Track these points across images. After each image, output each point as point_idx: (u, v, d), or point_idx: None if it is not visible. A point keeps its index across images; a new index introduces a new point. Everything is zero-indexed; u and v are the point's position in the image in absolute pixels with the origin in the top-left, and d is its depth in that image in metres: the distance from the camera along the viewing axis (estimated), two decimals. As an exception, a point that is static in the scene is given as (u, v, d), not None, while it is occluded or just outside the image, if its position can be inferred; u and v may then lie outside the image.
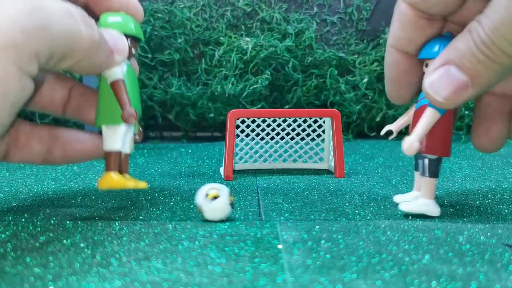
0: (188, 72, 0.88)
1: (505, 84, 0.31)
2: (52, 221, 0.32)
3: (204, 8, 0.90)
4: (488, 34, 0.25)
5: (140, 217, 0.33)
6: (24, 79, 0.20)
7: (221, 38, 0.87)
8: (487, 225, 0.31)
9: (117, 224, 0.31)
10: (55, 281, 0.22)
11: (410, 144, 0.30)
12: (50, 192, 0.41)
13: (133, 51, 0.33)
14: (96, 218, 0.33)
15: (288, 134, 0.55)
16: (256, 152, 0.55)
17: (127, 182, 0.32)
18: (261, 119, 0.54)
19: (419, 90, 0.34)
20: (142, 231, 0.29)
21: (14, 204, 0.37)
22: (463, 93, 0.27)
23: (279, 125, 0.54)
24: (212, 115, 0.85)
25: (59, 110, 0.35)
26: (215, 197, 0.32)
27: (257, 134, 0.55)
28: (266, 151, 0.55)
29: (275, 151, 0.55)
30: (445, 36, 0.31)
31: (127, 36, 0.33)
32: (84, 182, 0.46)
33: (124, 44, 0.32)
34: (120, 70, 0.33)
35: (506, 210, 0.35)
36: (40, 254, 0.25)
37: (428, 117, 0.31)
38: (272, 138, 0.55)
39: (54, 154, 0.34)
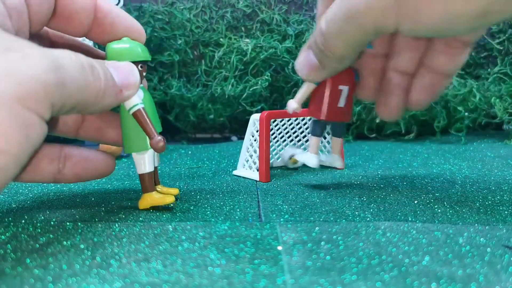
0: (188, 74, 0.88)
1: (405, 62, 0.37)
2: (52, 222, 0.32)
3: (204, 10, 0.90)
4: (324, 29, 0.31)
5: (140, 218, 0.33)
6: (43, 124, 0.22)
7: (221, 39, 0.87)
8: (487, 227, 0.31)
9: (117, 225, 0.31)
10: (55, 283, 0.22)
11: (288, 104, 0.39)
12: (50, 193, 0.41)
13: (144, 74, 0.35)
14: (96, 220, 0.33)
15: (294, 133, 0.56)
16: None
17: (167, 199, 0.35)
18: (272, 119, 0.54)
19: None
20: (142, 233, 0.29)
21: (14, 206, 0.37)
22: (316, 73, 0.34)
23: (284, 125, 0.55)
24: (212, 116, 0.85)
25: (72, 132, 0.37)
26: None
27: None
28: (274, 150, 0.55)
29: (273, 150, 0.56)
30: None
31: (137, 62, 0.34)
32: (84, 183, 0.46)
33: (135, 77, 0.32)
34: (138, 98, 0.34)
35: (506, 212, 0.35)
36: (40, 256, 0.25)
37: (307, 85, 0.39)
38: (282, 137, 0.56)
39: (65, 174, 0.34)
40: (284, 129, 0.55)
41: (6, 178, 0.21)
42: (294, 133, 0.56)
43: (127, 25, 0.34)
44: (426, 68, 0.37)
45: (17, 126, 0.20)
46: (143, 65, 0.34)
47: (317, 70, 0.34)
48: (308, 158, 0.41)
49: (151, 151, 0.35)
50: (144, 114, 0.34)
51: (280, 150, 0.56)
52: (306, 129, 0.56)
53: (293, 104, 0.39)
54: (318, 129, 0.41)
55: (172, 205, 0.37)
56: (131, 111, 0.33)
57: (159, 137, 0.34)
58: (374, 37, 0.30)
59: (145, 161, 0.35)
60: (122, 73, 0.30)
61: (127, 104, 0.33)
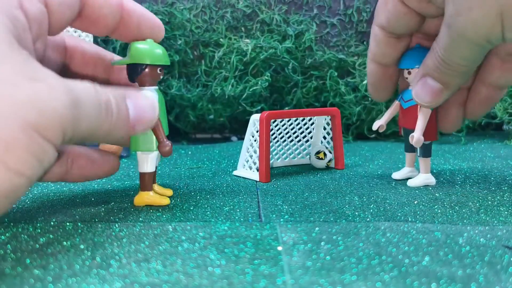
0: (188, 74, 0.88)
1: None
2: (52, 223, 0.32)
3: (204, 10, 0.90)
4: (442, 53, 0.33)
5: (140, 218, 0.33)
6: (54, 152, 0.24)
7: (221, 39, 0.87)
8: (487, 227, 0.31)
9: (117, 225, 0.31)
10: (55, 283, 0.22)
11: (417, 138, 0.40)
12: (50, 194, 0.41)
13: (161, 77, 0.36)
14: (96, 220, 0.33)
15: (294, 132, 0.56)
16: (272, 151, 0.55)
17: (163, 200, 0.37)
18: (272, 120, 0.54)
19: (394, 91, 0.44)
20: (142, 233, 0.29)
21: (13, 206, 0.37)
22: (440, 95, 0.36)
23: (284, 125, 0.55)
24: (212, 116, 0.85)
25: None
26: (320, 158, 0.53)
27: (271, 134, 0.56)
28: (281, 149, 0.56)
29: (288, 150, 0.56)
30: (416, 48, 0.41)
31: (157, 65, 0.35)
32: (84, 183, 0.46)
33: (152, 114, 0.32)
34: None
35: (506, 212, 0.35)
36: (40, 256, 0.25)
37: (424, 115, 0.41)
38: (282, 137, 0.56)
39: (72, 174, 0.36)
40: (284, 130, 0.55)
41: (17, 196, 0.23)
42: (294, 133, 0.56)
43: (150, 24, 0.35)
44: (481, 82, 0.39)
45: (33, 152, 0.22)
46: (162, 69, 0.36)
47: (441, 92, 0.37)
48: (430, 180, 0.44)
49: (156, 152, 0.36)
50: (157, 120, 0.35)
51: (280, 151, 0.56)
52: (307, 129, 0.57)
53: (422, 138, 0.41)
54: (431, 151, 0.44)
55: (170, 204, 0.37)
56: None
57: (167, 142, 0.35)
58: (490, 47, 0.33)
59: (148, 161, 0.36)
60: (139, 108, 0.31)
61: None
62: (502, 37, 0.31)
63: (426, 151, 0.44)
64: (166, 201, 0.37)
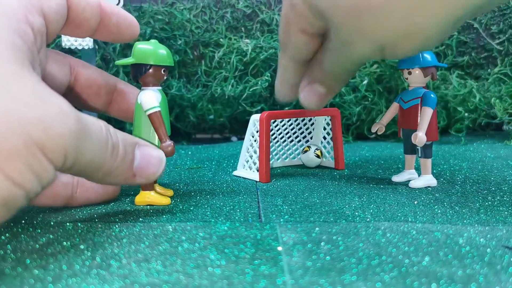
0: (188, 74, 0.88)
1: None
2: (52, 223, 0.32)
3: (204, 10, 0.90)
4: (329, 67, 0.35)
5: (140, 218, 0.33)
6: (53, 172, 0.24)
7: (221, 39, 0.87)
8: (486, 227, 0.31)
9: (117, 226, 0.31)
10: (55, 283, 0.22)
11: (421, 137, 0.41)
12: (50, 194, 0.41)
13: (165, 77, 0.37)
14: (96, 220, 0.33)
15: (294, 133, 0.56)
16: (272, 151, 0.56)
17: (163, 200, 0.37)
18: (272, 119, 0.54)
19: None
20: (142, 233, 0.29)
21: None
22: (325, 99, 0.38)
23: (284, 125, 0.55)
24: (212, 116, 0.85)
25: (103, 109, 0.40)
26: (306, 151, 0.54)
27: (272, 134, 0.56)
28: (281, 149, 0.56)
29: (288, 150, 0.57)
30: None
31: (161, 66, 0.36)
32: (84, 183, 0.46)
33: (156, 170, 0.32)
34: (156, 101, 0.36)
35: (506, 212, 0.35)
36: (40, 256, 0.25)
37: (427, 115, 0.42)
38: (282, 138, 0.56)
39: (77, 198, 0.36)
40: (284, 130, 0.55)
41: (15, 208, 0.23)
42: (294, 133, 0.56)
43: (128, 23, 0.35)
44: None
45: (32, 167, 0.22)
46: (166, 69, 0.36)
47: (326, 96, 0.38)
48: (431, 181, 0.44)
49: None
50: (160, 117, 0.35)
51: (280, 151, 0.56)
52: (307, 129, 0.57)
53: (424, 137, 0.41)
54: (432, 151, 0.44)
55: (171, 204, 0.37)
56: (148, 112, 0.35)
57: (169, 142, 0.35)
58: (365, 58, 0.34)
59: None
60: (146, 159, 0.31)
61: (145, 105, 0.35)
62: (383, 57, 0.32)
63: (427, 152, 0.44)
64: (167, 201, 0.37)
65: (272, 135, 0.55)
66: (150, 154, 0.31)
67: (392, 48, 0.30)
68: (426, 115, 0.42)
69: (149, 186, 0.37)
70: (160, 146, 0.35)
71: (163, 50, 0.36)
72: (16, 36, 0.25)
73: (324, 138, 0.56)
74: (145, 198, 0.37)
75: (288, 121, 0.55)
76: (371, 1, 0.28)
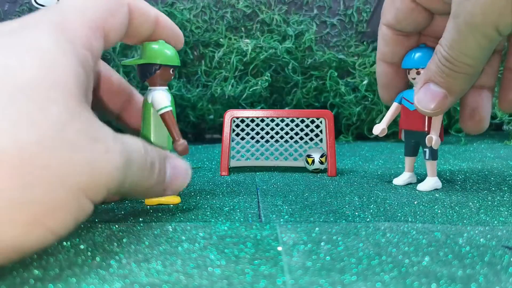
0: (188, 74, 0.88)
1: (481, 78, 0.38)
2: (51, 223, 0.32)
3: (204, 10, 0.90)
4: (448, 52, 0.32)
5: (140, 218, 0.33)
6: (92, 207, 0.23)
7: (221, 39, 0.87)
8: (487, 227, 0.31)
9: (117, 225, 0.31)
10: (55, 283, 0.22)
11: (437, 141, 0.41)
12: (49, 194, 0.41)
13: (172, 77, 0.37)
14: (96, 220, 0.33)
15: (287, 133, 0.56)
16: (257, 150, 0.56)
17: (175, 199, 0.37)
18: (260, 118, 0.54)
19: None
20: (142, 233, 0.29)
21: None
22: (445, 101, 0.35)
23: (277, 125, 0.55)
24: (212, 116, 0.85)
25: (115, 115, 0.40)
26: (310, 162, 0.52)
27: (257, 133, 0.56)
28: (266, 149, 0.56)
29: (276, 150, 0.57)
30: (420, 47, 0.40)
31: (169, 66, 0.36)
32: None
33: (184, 181, 0.32)
34: (167, 100, 0.36)
35: (506, 212, 0.35)
36: (40, 256, 0.25)
37: (440, 117, 0.41)
38: (272, 137, 0.56)
39: None
40: (282, 130, 0.55)
41: (38, 248, 0.22)
42: (267, 133, 0.56)
43: (176, 37, 0.36)
44: (509, 70, 0.39)
45: (73, 212, 0.21)
46: (174, 69, 0.37)
47: (445, 99, 0.34)
48: (438, 183, 0.44)
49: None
50: (172, 116, 0.35)
51: (275, 150, 0.56)
52: (302, 130, 0.56)
53: (439, 140, 0.41)
54: (437, 153, 0.44)
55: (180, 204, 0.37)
56: (160, 112, 0.35)
57: (183, 141, 0.35)
58: (499, 41, 0.31)
59: None
60: (174, 173, 0.31)
61: (157, 104, 0.35)
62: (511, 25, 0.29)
63: (434, 154, 0.43)
64: (177, 199, 0.37)
65: (268, 134, 0.55)
66: (178, 165, 0.31)
67: None
68: (438, 116, 0.41)
69: None
70: (173, 145, 0.35)
71: (171, 50, 0.36)
72: (79, 65, 0.23)
73: (311, 139, 0.55)
74: (155, 198, 0.37)
75: (282, 121, 0.55)
76: None
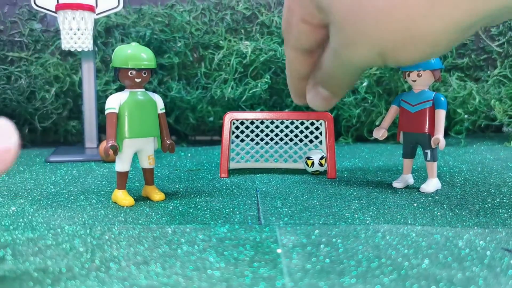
0: (188, 76, 0.88)
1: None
2: (51, 225, 0.32)
3: (204, 12, 0.90)
4: (330, 71, 0.33)
5: (139, 221, 0.33)
6: None
7: (221, 42, 0.87)
8: (486, 230, 0.31)
9: (116, 228, 0.31)
10: (54, 286, 0.22)
11: (443, 142, 0.41)
12: (49, 196, 0.41)
13: (147, 80, 0.38)
14: (95, 222, 0.33)
15: (286, 135, 0.56)
16: (256, 152, 0.56)
17: (123, 201, 0.38)
18: (260, 120, 0.54)
19: None
20: (141, 235, 0.29)
21: (13, 208, 0.37)
22: (331, 101, 0.37)
23: (277, 127, 0.55)
24: (211, 118, 0.85)
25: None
26: (310, 164, 0.52)
27: (257, 135, 0.56)
28: (266, 151, 0.56)
29: (275, 152, 0.56)
30: None
31: (141, 69, 0.37)
32: (83, 186, 0.46)
33: None
34: (115, 102, 0.37)
35: (505, 215, 0.35)
36: (39, 259, 0.25)
37: (443, 117, 0.42)
38: (272, 139, 0.56)
39: None
40: (281, 132, 0.55)
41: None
42: (266, 135, 0.56)
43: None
44: None
45: None
46: (138, 71, 0.37)
47: (331, 99, 0.37)
48: (439, 184, 0.44)
49: (125, 153, 0.38)
50: (110, 118, 0.37)
51: (275, 152, 0.56)
52: (301, 132, 0.56)
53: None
54: (437, 154, 0.45)
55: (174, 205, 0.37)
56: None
57: (107, 146, 0.36)
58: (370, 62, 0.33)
59: (118, 161, 0.38)
60: None
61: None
62: (384, 64, 0.31)
63: (435, 155, 0.43)
64: (127, 203, 0.38)
65: (268, 136, 0.55)
66: None
67: (394, 54, 0.29)
68: (442, 118, 0.42)
69: (118, 185, 0.39)
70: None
71: (132, 51, 0.37)
72: None
73: (311, 141, 0.55)
74: (113, 195, 0.39)
75: (281, 123, 0.55)
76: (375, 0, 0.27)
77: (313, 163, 0.52)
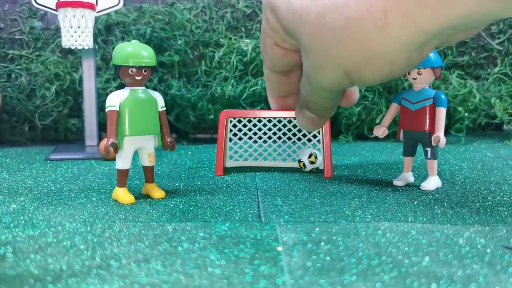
0: (188, 74, 0.88)
1: None
2: (51, 223, 0.32)
3: (204, 10, 0.90)
4: (308, 96, 0.35)
5: (140, 218, 0.33)
6: None
7: (221, 39, 0.87)
8: (486, 228, 0.31)
9: (116, 225, 0.31)
10: (55, 283, 0.22)
11: (443, 139, 0.41)
12: (49, 194, 0.41)
13: (148, 78, 0.38)
14: (96, 220, 0.33)
15: (284, 134, 0.56)
16: (255, 150, 0.56)
17: (123, 199, 0.38)
18: (257, 119, 0.54)
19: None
20: (142, 233, 0.29)
21: (13, 206, 0.37)
22: (318, 122, 0.38)
23: (275, 125, 0.55)
24: (212, 116, 0.85)
25: None
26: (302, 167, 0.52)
27: (255, 133, 0.56)
28: (265, 150, 0.56)
29: (274, 150, 0.56)
30: None
31: (142, 67, 0.37)
32: (83, 183, 0.46)
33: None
34: (114, 100, 0.37)
35: (505, 212, 0.35)
36: (39, 256, 0.25)
37: (444, 115, 0.42)
38: (270, 138, 0.56)
39: None
40: (283, 131, 0.55)
41: None
42: (264, 134, 0.56)
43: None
44: None
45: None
46: (139, 69, 0.37)
47: (318, 120, 0.38)
48: (439, 182, 0.44)
49: (126, 151, 0.38)
50: (110, 116, 0.37)
51: (274, 150, 0.56)
52: (279, 130, 0.56)
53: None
54: (438, 152, 0.44)
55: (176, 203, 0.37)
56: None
57: (107, 143, 0.36)
58: (347, 88, 0.35)
59: (118, 158, 0.38)
60: None
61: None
62: (352, 85, 0.32)
63: (435, 153, 0.43)
64: (127, 201, 0.38)
65: (266, 134, 0.55)
66: None
67: (358, 74, 0.29)
68: (443, 115, 0.42)
69: (118, 183, 0.39)
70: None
71: (132, 48, 0.37)
72: None
73: (309, 140, 0.55)
74: (113, 193, 0.39)
75: (279, 121, 0.55)
76: (334, 22, 0.27)
77: (304, 165, 0.52)
